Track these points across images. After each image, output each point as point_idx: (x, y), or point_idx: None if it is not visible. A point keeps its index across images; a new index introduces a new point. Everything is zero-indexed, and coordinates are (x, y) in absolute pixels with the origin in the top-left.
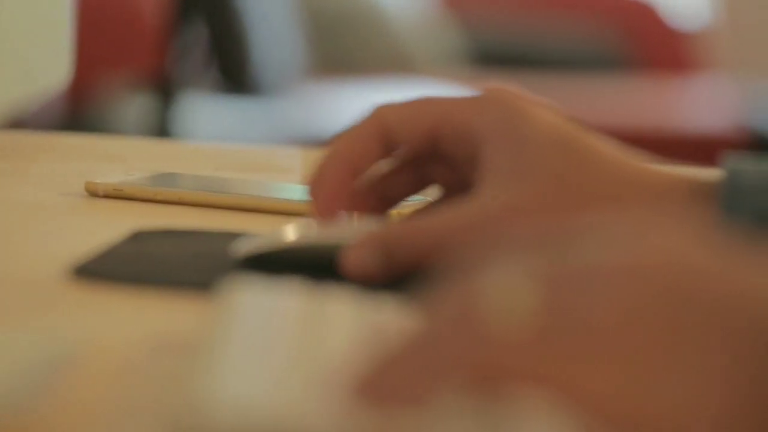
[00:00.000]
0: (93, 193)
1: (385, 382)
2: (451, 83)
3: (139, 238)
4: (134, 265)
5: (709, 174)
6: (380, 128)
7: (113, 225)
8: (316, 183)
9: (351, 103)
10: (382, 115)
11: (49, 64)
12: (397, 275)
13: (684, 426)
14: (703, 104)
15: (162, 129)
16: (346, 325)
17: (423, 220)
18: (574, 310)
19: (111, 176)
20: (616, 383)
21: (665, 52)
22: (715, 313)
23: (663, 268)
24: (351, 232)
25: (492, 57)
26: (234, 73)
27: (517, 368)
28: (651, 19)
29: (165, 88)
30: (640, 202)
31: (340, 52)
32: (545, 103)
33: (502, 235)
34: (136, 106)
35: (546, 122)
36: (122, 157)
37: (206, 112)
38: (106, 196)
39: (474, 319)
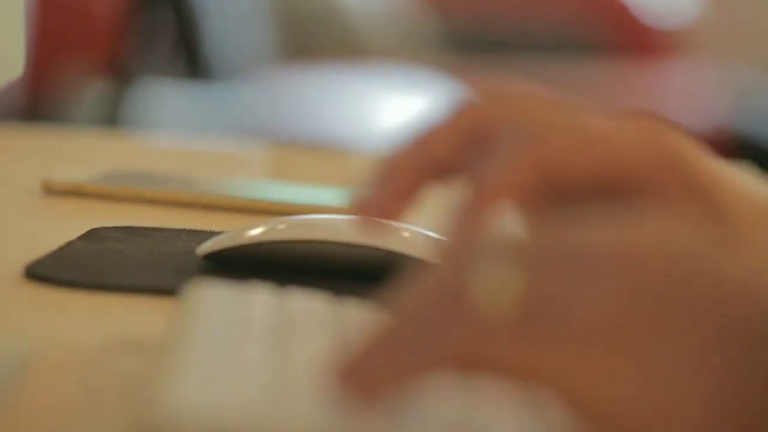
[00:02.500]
0: (50, 190)
1: (370, 365)
2: (424, 69)
3: (95, 236)
4: (88, 267)
5: None
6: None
7: (71, 224)
8: (384, 180)
9: (316, 91)
10: (543, 154)
11: (3, 55)
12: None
13: (668, 421)
14: (683, 100)
15: (120, 117)
16: (310, 328)
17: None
18: (561, 294)
19: (69, 173)
20: (598, 371)
21: (642, 46)
22: (706, 309)
23: (657, 260)
24: (320, 228)
25: (466, 42)
26: (194, 59)
27: (499, 349)
28: (626, 13)
29: (123, 75)
30: None
31: (305, 39)
32: (694, 142)
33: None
34: (94, 93)
35: (730, 181)
36: (80, 153)
37: (165, 99)
38: (64, 194)
39: (461, 299)
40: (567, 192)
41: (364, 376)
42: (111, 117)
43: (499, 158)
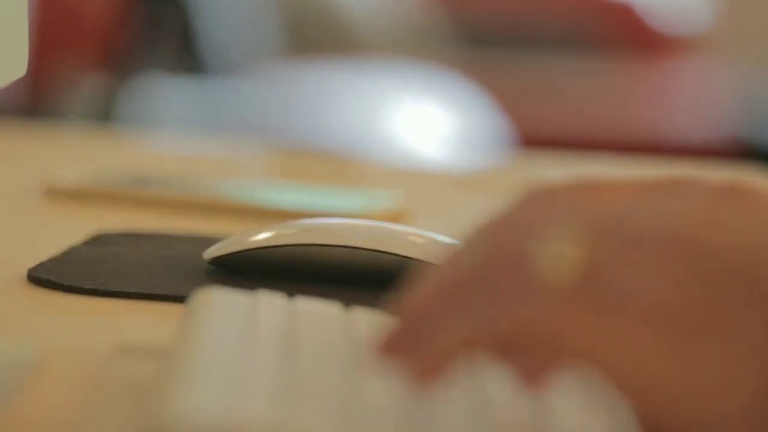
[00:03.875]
0: (52, 192)
1: (428, 330)
2: (429, 66)
3: (98, 241)
4: (92, 272)
5: None
6: None
7: (72, 227)
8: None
9: (317, 87)
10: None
11: (7, 55)
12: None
13: (716, 403)
14: (691, 104)
15: (119, 113)
16: (319, 336)
17: None
18: (621, 270)
19: (70, 175)
20: (649, 347)
21: (649, 49)
22: (760, 291)
23: (721, 247)
24: (327, 232)
25: (474, 40)
26: (193, 54)
27: (556, 316)
28: (634, 17)
29: (122, 71)
30: None
31: (307, 35)
32: None
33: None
34: (92, 89)
35: None
36: (81, 154)
37: (164, 95)
38: (66, 196)
39: (522, 267)
40: None
41: (423, 341)
42: (109, 113)
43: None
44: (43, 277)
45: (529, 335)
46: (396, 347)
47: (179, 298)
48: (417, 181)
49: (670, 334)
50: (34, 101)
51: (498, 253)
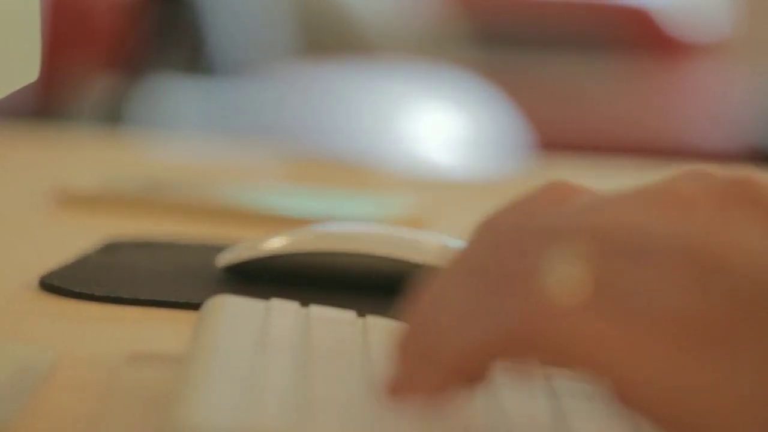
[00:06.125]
0: (63, 198)
1: (436, 337)
2: (443, 68)
3: (111, 248)
4: (105, 279)
5: None
6: None
7: (84, 233)
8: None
9: (329, 87)
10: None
11: (20, 59)
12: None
13: (727, 418)
14: (709, 110)
15: (129, 114)
16: (334, 346)
17: None
18: (632, 283)
19: (82, 180)
20: (660, 360)
21: (666, 54)
22: None
23: (733, 260)
24: (341, 239)
25: (490, 41)
26: (204, 55)
27: (565, 329)
28: (652, 25)
29: (132, 72)
30: None
31: (318, 35)
32: None
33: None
34: (103, 90)
35: None
36: (93, 158)
37: (175, 96)
38: (78, 202)
39: (530, 281)
40: None
41: (430, 358)
42: (121, 114)
43: None
44: (55, 284)
45: (541, 343)
46: (407, 357)
47: (192, 306)
48: (432, 186)
49: (682, 344)
50: (46, 103)
51: (510, 261)
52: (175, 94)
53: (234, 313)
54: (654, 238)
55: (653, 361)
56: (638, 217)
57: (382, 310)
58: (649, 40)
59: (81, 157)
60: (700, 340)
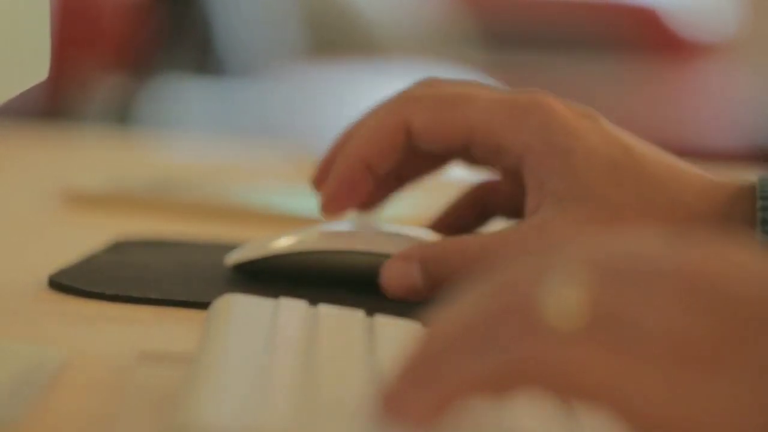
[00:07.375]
0: (71, 198)
1: (434, 373)
2: (453, 66)
3: (119, 248)
4: (114, 279)
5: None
6: (403, 129)
7: (92, 232)
8: (325, 178)
9: (337, 87)
10: (406, 114)
11: (30, 58)
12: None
13: None
14: (714, 111)
15: (137, 113)
16: (342, 345)
17: (475, 237)
18: (629, 309)
19: (90, 180)
20: (658, 386)
21: (673, 54)
22: (764, 324)
23: (730, 283)
24: (349, 238)
25: (497, 41)
26: (212, 55)
27: (565, 358)
28: (660, 25)
29: (140, 71)
30: (692, 220)
31: (327, 35)
32: (585, 111)
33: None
34: (111, 89)
35: (591, 138)
36: (101, 158)
37: (183, 96)
38: (86, 202)
39: (529, 311)
40: (435, 150)
41: (428, 385)
42: (129, 114)
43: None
44: (64, 283)
45: (543, 374)
46: (402, 395)
47: (201, 305)
48: (440, 185)
49: (685, 370)
50: (54, 103)
51: (507, 294)
52: (182, 94)
53: (243, 311)
54: (651, 265)
55: (657, 387)
56: (633, 245)
57: (390, 310)
58: (656, 40)
59: (89, 156)
60: (701, 363)
